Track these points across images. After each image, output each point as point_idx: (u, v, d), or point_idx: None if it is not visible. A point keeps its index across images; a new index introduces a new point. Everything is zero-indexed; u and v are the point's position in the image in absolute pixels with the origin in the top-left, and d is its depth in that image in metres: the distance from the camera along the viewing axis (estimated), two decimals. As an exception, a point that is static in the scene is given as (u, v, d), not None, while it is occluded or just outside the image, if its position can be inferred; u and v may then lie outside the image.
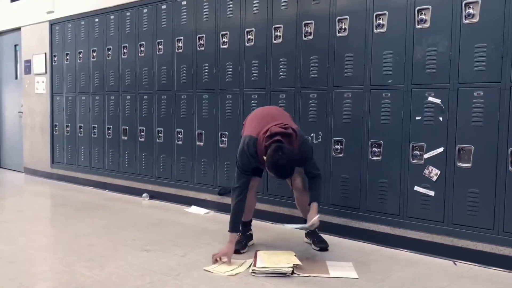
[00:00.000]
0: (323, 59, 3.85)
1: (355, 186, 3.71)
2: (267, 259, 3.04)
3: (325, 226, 3.83)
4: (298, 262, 2.98)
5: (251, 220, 3.61)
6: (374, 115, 3.59)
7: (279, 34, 4.12)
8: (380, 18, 3.55)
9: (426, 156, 3.35)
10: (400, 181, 3.48)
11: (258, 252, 3.23)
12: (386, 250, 3.48)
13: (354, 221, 3.73)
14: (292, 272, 2.88)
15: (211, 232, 3.93)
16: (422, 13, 3.34)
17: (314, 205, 3.22)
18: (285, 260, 2.99)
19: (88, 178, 6.11)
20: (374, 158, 3.60)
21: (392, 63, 3.49)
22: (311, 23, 3.92)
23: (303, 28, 3.96)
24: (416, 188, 3.41)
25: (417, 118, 3.39)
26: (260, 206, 4.26)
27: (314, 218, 3.13)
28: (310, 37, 3.93)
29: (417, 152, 3.39)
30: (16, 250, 3.39)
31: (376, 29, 3.57)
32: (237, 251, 3.25)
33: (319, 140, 3.88)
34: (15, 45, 7.56)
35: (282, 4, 4.09)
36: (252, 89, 4.33)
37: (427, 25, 3.33)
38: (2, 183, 6.91)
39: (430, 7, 3.31)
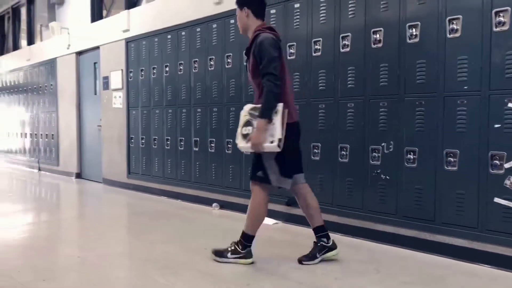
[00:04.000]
0: (393, 66, 3.76)
1: (429, 197, 3.56)
2: None
3: (396, 238, 3.72)
4: None
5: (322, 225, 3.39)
6: (449, 123, 3.45)
7: (347, 43, 4.08)
8: (453, 22, 3.41)
9: (506, 166, 3.16)
10: (479, 192, 3.30)
11: None
12: (463, 265, 3.30)
13: (428, 234, 3.58)
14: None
15: (280, 243, 3.94)
16: (500, 15, 3.18)
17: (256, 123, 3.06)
18: None
19: (162, 188, 6.34)
20: (450, 168, 3.45)
21: (468, 69, 3.34)
22: (380, 30, 3.85)
23: (372, 36, 3.89)
24: (496, 199, 3.21)
25: (496, 125, 3.21)
26: (327, 217, 4.21)
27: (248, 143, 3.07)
28: (379, 45, 3.86)
29: (497, 162, 3.21)
30: (96, 256, 3.58)
31: (449, 34, 3.44)
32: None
33: (391, 149, 3.78)
34: (94, 63, 8.06)
35: (349, 13, 4.05)
36: (319, 98, 4.31)
37: (506, 27, 3.15)
38: (83, 193, 7.34)
39: (509, 8, 3.14)
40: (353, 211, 4.06)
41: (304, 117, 4.43)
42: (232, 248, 3.32)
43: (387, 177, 3.82)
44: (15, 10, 11.67)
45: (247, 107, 3.23)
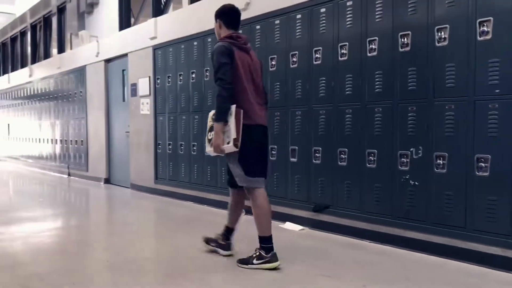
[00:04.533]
0: (422, 70, 3.70)
1: (460, 204, 3.48)
2: None
3: (426, 246, 3.64)
4: None
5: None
6: (480, 128, 3.36)
7: (373, 46, 4.04)
8: (484, 24, 3.33)
9: (542, 171, 3.06)
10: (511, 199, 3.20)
11: None
12: (497, 274, 3.20)
13: (459, 241, 3.49)
14: None
15: (307, 249, 3.90)
16: (533, 16, 3.09)
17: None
18: None
19: (188, 193, 6.38)
20: (481, 173, 3.36)
21: (499, 72, 3.25)
22: (408, 34, 3.79)
23: (400, 39, 3.84)
24: (531, 206, 3.11)
25: (530, 129, 3.11)
26: (357, 224, 4.16)
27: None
28: (407, 48, 3.80)
29: (532, 167, 3.11)
30: (124, 261, 3.62)
31: (479, 37, 3.36)
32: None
33: (420, 155, 3.71)
34: (123, 70, 8.20)
35: (376, 16, 4.01)
36: (346, 103, 4.27)
37: (539, 28, 3.06)
38: (111, 198, 7.46)
39: (542, 9, 3.05)
40: (382, 218, 3.99)
41: (330, 122, 4.41)
42: (257, 254, 3.33)
43: (416, 183, 3.75)
44: (47, 20, 12.00)
45: (211, 113, 3.42)
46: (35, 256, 3.82)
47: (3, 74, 15.03)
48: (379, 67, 4.00)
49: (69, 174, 10.14)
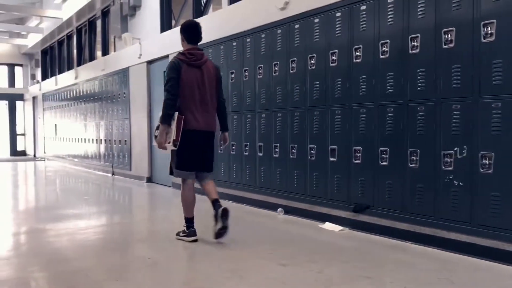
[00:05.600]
0: (467, 67, 3.59)
1: (507, 205, 3.35)
2: None
3: (471, 248, 3.52)
4: None
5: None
6: (529, 126, 3.22)
7: (416, 44, 3.95)
8: (534, 18, 3.20)
9: None
10: None
11: None
12: (548, 279, 3.07)
13: (506, 244, 3.35)
14: None
15: (347, 249, 3.86)
16: None
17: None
18: None
19: (228, 192, 6.43)
20: (531, 174, 3.22)
21: (551, 68, 3.11)
22: (452, 30, 3.68)
23: (443, 36, 3.74)
24: None
25: None
26: (398, 225, 4.08)
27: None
28: (451, 45, 3.69)
29: None
30: (166, 258, 3.69)
31: (529, 31, 3.22)
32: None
33: (464, 154, 3.60)
34: (164, 71, 8.32)
35: (419, 13, 3.92)
36: (387, 102, 4.19)
37: None
38: (153, 196, 7.61)
39: None
40: (424, 219, 3.89)
41: (371, 121, 4.34)
42: (182, 230, 4.20)
43: (461, 183, 3.64)
44: (91, 23, 12.38)
45: (159, 115, 4.04)
46: (81, 252, 3.95)
47: (50, 77, 15.64)
48: (421, 64, 3.91)
49: (113, 173, 10.43)
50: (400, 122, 4.08)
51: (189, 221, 4.18)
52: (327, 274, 3.19)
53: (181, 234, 4.21)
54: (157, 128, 4.04)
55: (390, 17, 4.15)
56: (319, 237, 4.33)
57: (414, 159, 3.96)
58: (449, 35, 3.70)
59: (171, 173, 4.24)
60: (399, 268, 3.29)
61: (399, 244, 3.96)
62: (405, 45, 4.03)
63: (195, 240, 4.09)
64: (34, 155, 17.75)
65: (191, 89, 3.98)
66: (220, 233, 4.00)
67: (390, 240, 4.08)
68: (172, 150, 4.01)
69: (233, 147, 6.30)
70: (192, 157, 4.05)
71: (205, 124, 4.05)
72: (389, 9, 4.16)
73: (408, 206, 4.03)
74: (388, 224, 4.18)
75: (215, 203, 4.08)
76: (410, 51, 3.99)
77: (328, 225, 4.67)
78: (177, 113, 3.91)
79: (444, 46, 3.74)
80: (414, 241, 3.94)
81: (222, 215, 3.98)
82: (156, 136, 4.03)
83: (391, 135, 4.16)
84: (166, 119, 3.90)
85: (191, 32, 4.20)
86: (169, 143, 3.92)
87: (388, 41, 4.17)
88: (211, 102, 4.11)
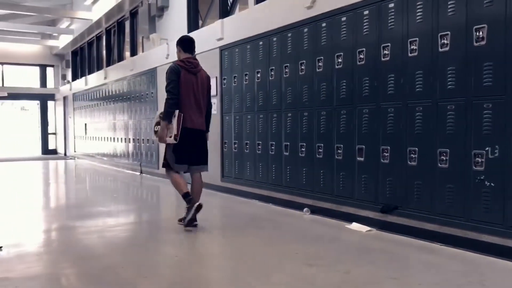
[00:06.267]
0: (499, 65, 3.49)
1: (542, 207, 3.25)
2: None
3: (503, 250, 3.44)
4: None
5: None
6: None
7: (446, 41, 3.87)
8: None
9: None
10: None
11: None
12: None
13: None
14: None
15: (374, 250, 3.82)
16: None
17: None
18: None
19: (253, 192, 6.45)
20: None
21: None
22: (483, 27, 3.59)
23: (474, 33, 3.65)
24: None
25: None
26: (427, 226, 4.02)
27: None
28: (483, 42, 3.60)
29: None
30: (193, 256, 3.73)
31: None
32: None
33: (496, 154, 3.50)
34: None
35: (449, 10, 3.84)
36: (416, 101, 4.12)
37: None
38: (180, 195, 7.67)
39: None
40: (454, 220, 3.81)
41: (399, 120, 4.28)
42: (187, 207, 4.59)
43: (492, 184, 3.55)
44: (120, 24, 12.59)
45: (159, 111, 4.62)
46: (110, 249, 4.02)
47: (80, 77, 15.97)
48: (451, 62, 3.83)
49: (141, 172, 10.58)
50: (430, 121, 4.01)
51: (186, 195, 4.62)
52: (354, 275, 3.16)
53: (187, 212, 4.57)
54: (156, 124, 4.64)
55: (419, 15, 4.08)
56: (346, 238, 4.29)
57: (444, 159, 3.89)
58: (481, 32, 3.61)
59: (164, 166, 4.75)
60: (427, 270, 3.23)
61: (427, 245, 3.89)
62: (434, 43, 3.95)
63: (199, 206, 4.58)
64: (65, 154, 18.17)
65: (188, 92, 4.54)
66: (188, 221, 4.55)
67: (419, 241, 4.02)
68: (166, 146, 4.64)
69: (259, 147, 6.30)
70: (186, 152, 4.60)
71: (198, 124, 4.64)
72: (418, 7, 4.09)
73: (437, 207, 3.96)
74: (416, 225, 4.12)
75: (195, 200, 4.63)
76: (440, 49, 3.91)
77: (355, 226, 4.62)
78: (177, 111, 4.44)
79: (475, 44, 3.65)
80: (444, 242, 3.87)
81: (196, 209, 4.55)
82: (155, 132, 4.64)
83: (420, 134, 4.09)
84: (169, 116, 4.45)
85: (186, 44, 4.80)
86: (170, 137, 4.44)
87: (417, 39, 4.10)
88: (203, 105, 4.71)
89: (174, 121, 4.42)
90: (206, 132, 4.90)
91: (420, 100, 4.08)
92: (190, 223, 4.55)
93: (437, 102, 3.94)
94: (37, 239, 4.44)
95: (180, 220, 4.77)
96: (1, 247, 3.85)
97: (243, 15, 6.83)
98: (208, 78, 4.84)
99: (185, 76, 4.55)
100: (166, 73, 4.58)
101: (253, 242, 4.12)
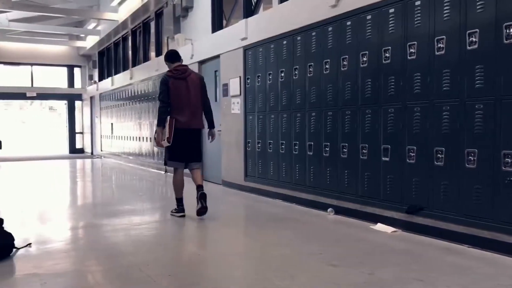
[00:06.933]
0: (530, 63, 3.40)
1: None
2: None
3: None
4: None
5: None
6: None
7: (474, 39, 3.78)
8: None
9: None
10: None
11: None
12: None
13: None
14: None
15: (399, 252, 3.76)
16: None
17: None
18: None
19: (277, 191, 6.44)
20: None
21: None
22: (514, 24, 3.50)
23: (504, 30, 3.56)
24: None
25: None
26: (454, 227, 3.94)
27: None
28: (513, 40, 3.51)
29: None
30: (216, 255, 3.74)
31: None
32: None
33: (526, 155, 3.41)
34: (215, 71, 8.47)
35: (478, 7, 3.75)
36: (443, 100, 4.04)
37: None
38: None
39: None
40: (483, 222, 3.73)
41: (426, 120, 4.21)
42: (175, 208, 5.27)
43: (523, 185, 3.45)
44: (145, 25, 12.74)
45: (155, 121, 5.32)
46: (135, 247, 4.08)
47: (107, 77, 16.23)
48: (480, 60, 3.74)
49: (166, 171, 10.68)
50: (457, 121, 3.93)
51: (179, 200, 5.23)
52: (379, 276, 3.12)
53: (173, 211, 5.28)
54: (156, 132, 5.20)
55: (447, 12, 4.00)
56: (371, 238, 4.24)
57: (472, 159, 3.81)
58: (511, 30, 3.52)
59: (165, 163, 5.39)
60: (454, 272, 3.17)
61: (454, 247, 3.82)
62: (462, 41, 3.87)
63: (183, 216, 5.16)
64: (91, 153, 18.50)
65: (178, 97, 5.08)
66: (200, 212, 5.03)
67: (445, 242, 3.94)
68: (166, 146, 5.13)
69: (282, 146, 6.29)
70: (180, 151, 5.11)
71: (190, 123, 5.12)
72: (446, 4, 4.01)
73: (465, 208, 3.87)
74: (443, 226, 4.04)
75: (198, 188, 5.11)
76: (468, 47, 3.83)
77: (380, 226, 4.57)
78: (168, 116, 5.05)
79: (505, 41, 3.56)
80: (471, 244, 3.79)
81: (201, 198, 5.02)
82: (155, 138, 5.19)
83: (447, 134, 4.01)
84: (160, 122, 5.08)
85: (171, 56, 5.35)
86: (164, 140, 5.06)
87: (444, 37, 4.03)
88: (197, 105, 5.18)
89: (167, 126, 5.04)
90: (212, 128, 5.42)
91: (447, 99, 4.01)
92: (201, 212, 5.07)
93: (465, 101, 3.86)
94: (65, 236, 4.53)
95: (171, 211, 5.33)
96: (30, 243, 3.94)
97: (267, 14, 6.82)
98: (200, 79, 5.34)
99: (173, 83, 5.10)
100: (159, 83, 5.26)
101: (277, 242, 4.11)
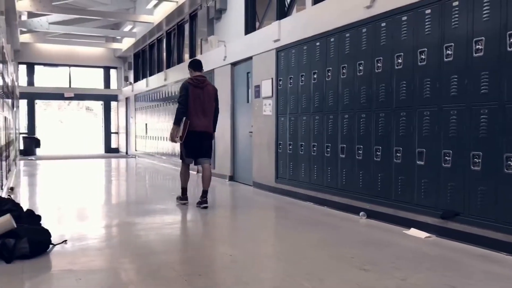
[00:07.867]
0: None
1: None
2: None
3: None
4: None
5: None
6: None
7: (514, 40, 3.66)
8: None
9: None
10: None
11: None
12: None
13: None
14: None
15: (433, 257, 3.68)
16: None
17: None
18: None
19: (308, 194, 6.40)
20: None
21: None
22: (557, 24, 3.37)
23: (547, 31, 3.43)
24: None
25: None
26: (491, 234, 3.82)
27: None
28: (556, 41, 3.38)
29: None
30: (246, 256, 3.75)
31: None
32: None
33: None
34: (247, 73, 8.50)
35: (518, 7, 3.63)
36: (481, 103, 3.93)
37: None
38: (235, 195, 7.77)
39: None
40: (521, 229, 3.60)
41: (462, 123, 4.10)
42: (179, 196, 6.25)
43: None
44: (180, 27, 12.91)
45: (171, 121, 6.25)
46: (167, 246, 4.13)
47: (142, 78, 16.54)
48: (521, 62, 3.62)
49: (198, 171, 10.78)
50: (496, 124, 3.81)
51: (184, 190, 6.20)
52: (411, 282, 3.06)
53: (178, 199, 6.30)
54: (172, 128, 5.98)
55: (486, 13, 3.89)
56: (404, 243, 4.16)
57: (511, 164, 3.68)
58: (554, 30, 3.39)
59: (181, 159, 6.18)
60: (490, 280, 3.07)
61: (491, 254, 3.70)
62: (502, 43, 3.75)
63: (186, 203, 6.13)
64: (126, 153, 18.88)
65: (195, 102, 5.85)
66: (200, 202, 5.97)
67: (481, 249, 3.83)
68: (180, 144, 6.00)
69: (314, 148, 6.25)
70: (192, 149, 5.98)
71: (202, 126, 5.90)
72: (485, 4, 3.90)
73: (503, 215, 3.75)
74: (479, 232, 3.93)
75: (203, 194, 6.00)
76: (508, 49, 3.71)
77: (414, 231, 4.48)
78: (185, 118, 5.80)
79: (547, 42, 3.43)
80: (510, 252, 3.66)
81: (202, 196, 5.98)
82: (171, 134, 6.00)
83: (485, 138, 3.90)
84: (177, 121, 5.88)
85: (195, 65, 6.14)
86: (177, 138, 5.90)
87: (483, 38, 3.92)
88: (210, 112, 6.00)
89: (182, 125, 5.81)
90: (213, 132, 6.21)
91: (486, 103, 3.89)
92: (201, 202, 5.99)
93: (504, 104, 3.74)
94: (99, 233, 4.64)
95: (177, 198, 6.32)
96: (66, 240, 4.05)
97: (300, 16, 6.80)
98: (215, 90, 6.13)
99: (192, 91, 5.87)
100: (179, 88, 6.04)
101: (307, 244, 4.08)
